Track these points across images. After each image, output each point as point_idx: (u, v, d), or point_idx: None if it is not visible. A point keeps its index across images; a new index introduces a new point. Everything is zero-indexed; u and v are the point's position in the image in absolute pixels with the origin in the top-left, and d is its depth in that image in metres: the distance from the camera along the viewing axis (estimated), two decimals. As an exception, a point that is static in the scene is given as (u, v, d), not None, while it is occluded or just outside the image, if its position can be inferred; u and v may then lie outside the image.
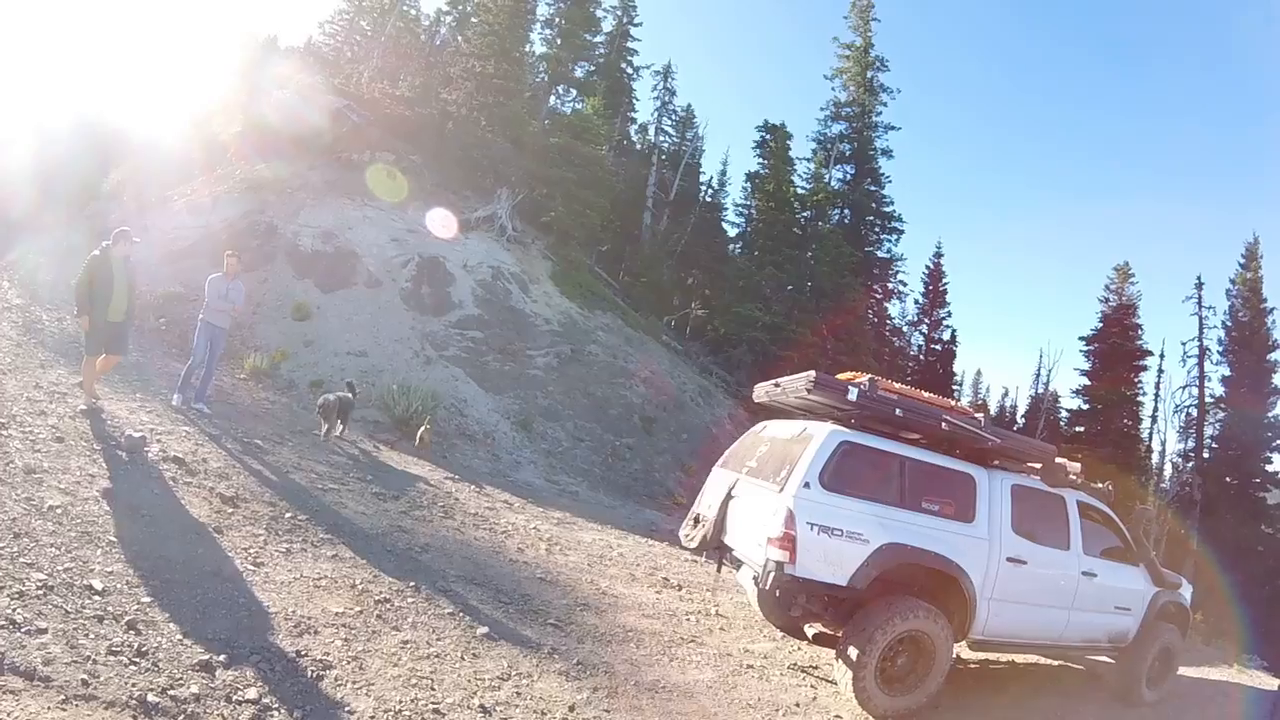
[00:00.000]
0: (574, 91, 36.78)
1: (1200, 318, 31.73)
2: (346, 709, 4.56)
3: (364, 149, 23.09)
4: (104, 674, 4.14)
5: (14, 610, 4.34)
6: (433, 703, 4.85)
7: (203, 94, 22.89)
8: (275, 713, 4.34)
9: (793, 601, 6.22)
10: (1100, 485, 8.03)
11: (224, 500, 7.16)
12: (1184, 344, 32.09)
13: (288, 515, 7.34)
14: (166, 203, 18.53)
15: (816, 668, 7.33)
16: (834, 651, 6.53)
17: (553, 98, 35.79)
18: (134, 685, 4.14)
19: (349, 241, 19.06)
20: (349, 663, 5.04)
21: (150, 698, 4.08)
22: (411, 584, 6.60)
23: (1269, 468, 29.84)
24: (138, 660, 4.36)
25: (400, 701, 4.76)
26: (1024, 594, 6.82)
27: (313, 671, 4.82)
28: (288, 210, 19.18)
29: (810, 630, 7.28)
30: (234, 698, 4.34)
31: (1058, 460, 7.34)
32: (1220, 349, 31.59)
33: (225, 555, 6.05)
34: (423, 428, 13.12)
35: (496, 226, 22.71)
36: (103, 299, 8.63)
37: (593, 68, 37.23)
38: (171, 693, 4.19)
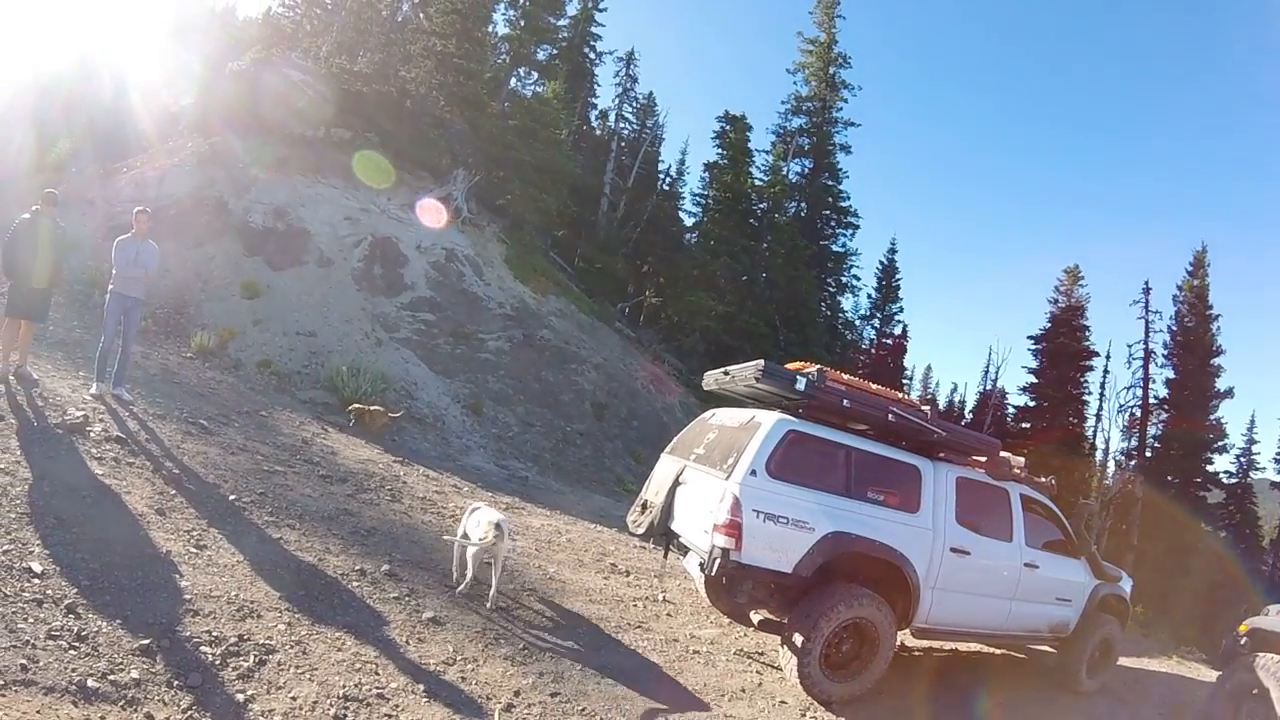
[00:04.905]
0: (535, 74, 36.37)
1: (1147, 321, 32.63)
2: (290, 694, 4.54)
3: (319, 125, 22.61)
4: (43, 659, 4.08)
5: (-54, 592, 4.25)
6: (377, 687, 4.85)
7: (155, 65, 22.20)
8: (217, 698, 4.31)
9: (738, 588, 6.28)
10: (1043, 480, 8.25)
11: (167, 481, 7.04)
12: (1129, 346, 32.98)
13: (231, 498, 7.24)
14: (112, 175, 17.98)
15: (762, 654, 7.45)
16: (779, 638, 6.65)
17: (514, 80, 35.32)
18: (74, 670, 4.09)
19: (301, 219, 18.70)
20: (292, 647, 5.01)
21: (90, 683, 4.03)
22: (357, 568, 6.57)
23: (1209, 468, 31.07)
24: (78, 645, 4.30)
25: (344, 686, 4.75)
26: (967, 584, 7.00)
27: (256, 656, 4.79)
28: (238, 185, 18.73)
29: (756, 617, 7.37)
30: (175, 683, 4.31)
31: (1002, 454, 7.53)
32: (1165, 353, 32.56)
33: (168, 538, 5.95)
34: (375, 407, 12.96)
35: (452, 208, 22.48)
36: (26, 264, 8.52)
37: (555, 51, 36.78)
38: (112, 678, 4.14)
